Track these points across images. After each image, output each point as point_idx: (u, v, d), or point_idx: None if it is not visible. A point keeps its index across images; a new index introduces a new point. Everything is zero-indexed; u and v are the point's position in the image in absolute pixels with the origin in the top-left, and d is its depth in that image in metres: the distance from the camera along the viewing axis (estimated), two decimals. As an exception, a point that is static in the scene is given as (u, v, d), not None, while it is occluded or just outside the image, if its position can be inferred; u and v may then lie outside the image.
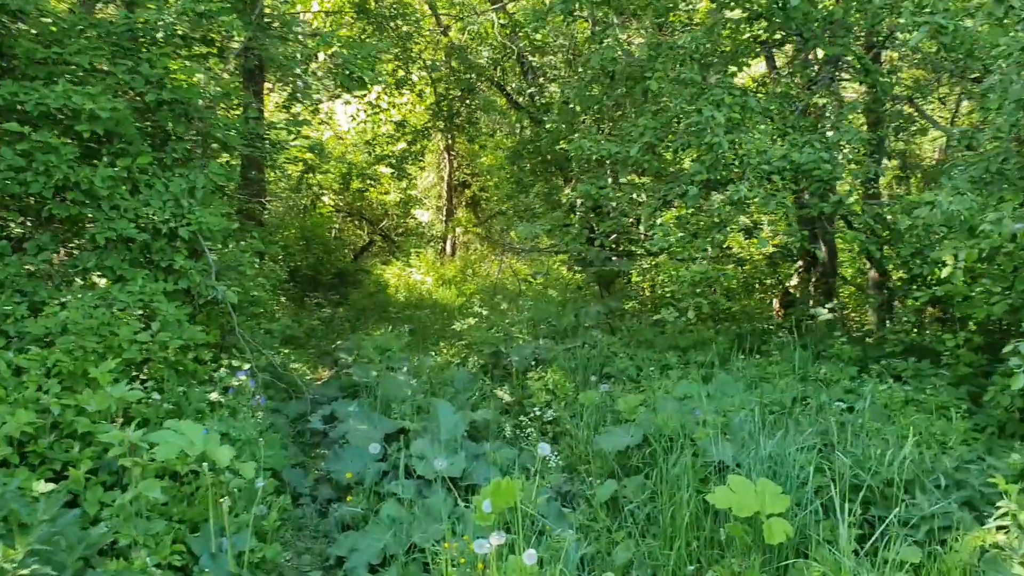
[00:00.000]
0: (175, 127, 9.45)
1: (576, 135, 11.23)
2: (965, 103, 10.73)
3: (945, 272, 6.84)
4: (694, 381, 8.38)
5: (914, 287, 9.02)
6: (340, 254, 21.20)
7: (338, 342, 13.76)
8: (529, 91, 16.10)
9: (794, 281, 13.97)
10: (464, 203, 25.48)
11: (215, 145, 10.35)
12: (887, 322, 12.05)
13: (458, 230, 24.97)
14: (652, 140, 9.16)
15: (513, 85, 18.43)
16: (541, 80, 16.45)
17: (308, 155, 14.92)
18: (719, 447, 6.86)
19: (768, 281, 14.08)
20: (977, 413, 7.31)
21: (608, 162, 10.37)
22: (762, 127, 8.66)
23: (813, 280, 13.17)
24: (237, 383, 9.34)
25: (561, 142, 15.59)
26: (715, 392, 8.08)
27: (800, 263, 13.48)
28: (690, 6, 13.25)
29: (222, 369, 9.58)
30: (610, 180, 9.84)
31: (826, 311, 12.10)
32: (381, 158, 17.31)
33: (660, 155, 9.74)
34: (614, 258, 14.17)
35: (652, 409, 7.99)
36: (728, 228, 9.61)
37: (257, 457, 7.43)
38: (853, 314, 12.97)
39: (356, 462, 8.02)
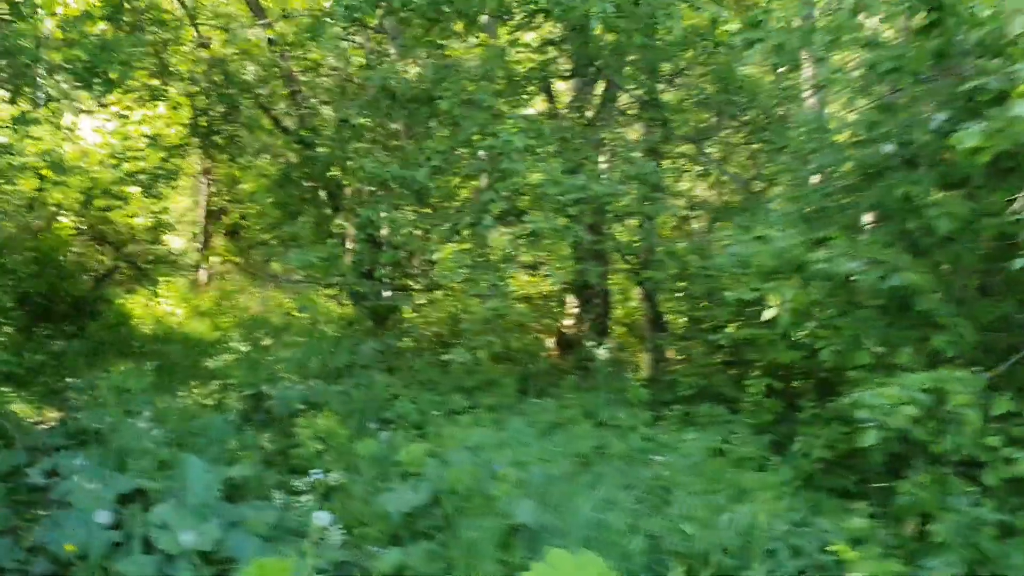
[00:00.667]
0: None
1: (353, 158, 10.15)
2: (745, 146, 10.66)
3: (768, 314, 6.35)
4: (486, 427, 7.46)
5: (704, 328, 8.63)
6: (78, 281, 18.71)
7: (69, 380, 11.73)
8: (299, 112, 14.78)
9: (567, 321, 13.52)
10: (222, 231, 23.51)
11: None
12: (659, 364, 11.76)
13: (215, 259, 22.95)
14: (440, 164, 8.26)
15: (280, 107, 17.00)
16: (312, 101, 15.16)
17: (43, 167, 12.77)
18: (521, 507, 5.95)
19: (545, 320, 13.53)
20: (778, 465, 6.87)
21: (385, 190, 9.34)
22: (556, 158, 7.99)
23: (589, 320, 12.73)
24: None
25: (333, 168, 14.42)
26: (510, 440, 7.19)
27: (574, 302, 13.04)
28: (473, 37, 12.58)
29: None
30: (390, 209, 8.81)
31: (605, 352, 11.65)
32: (130, 175, 15.27)
33: (447, 182, 8.83)
34: (389, 292, 13.12)
35: (442, 461, 6.98)
36: (513, 263, 8.89)
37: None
38: (626, 355, 12.64)
39: (80, 530, 6.41)
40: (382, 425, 8.44)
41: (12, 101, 15.09)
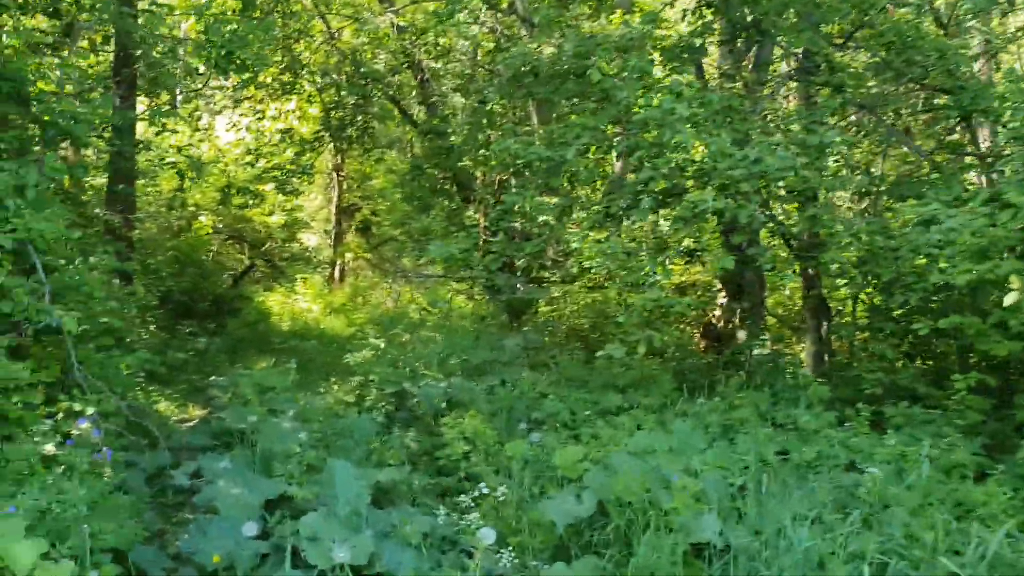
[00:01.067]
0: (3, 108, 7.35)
1: (491, 142, 9.54)
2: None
3: (1009, 299, 5.39)
4: (650, 430, 6.71)
5: (892, 317, 7.62)
6: (218, 279, 18.86)
7: (212, 378, 11.57)
8: (430, 101, 14.32)
9: (716, 312, 12.60)
10: (354, 227, 23.44)
11: (60, 137, 8.24)
12: (824, 358, 10.73)
13: (347, 256, 22.89)
14: (591, 142, 7.53)
15: (410, 97, 16.63)
16: (444, 89, 14.70)
17: (181, 161, 12.69)
18: (704, 522, 5.18)
19: (692, 312, 12.62)
20: (1000, 475, 5.85)
21: (521, 177, 8.67)
22: (723, 129, 7.14)
23: (740, 310, 11.77)
24: (78, 432, 7.29)
25: (465, 157, 13.91)
26: (679, 444, 6.42)
27: (723, 291, 12.10)
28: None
29: (59, 415, 7.51)
30: (533, 195, 8.13)
31: (763, 345, 10.71)
32: (266, 171, 15.16)
33: (595, 162, 8.08)
34: (524, 285, 12.52)
35: (602, 466, 6.27)
36: (670, 249, 8.10)
37: (94, 534, 5.44)
38: (787, 349, 11.63)
39: (226, 538, 6.00)
40: (531, 426, 7.79)
41: (151, 103, 15.25)
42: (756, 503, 5.34)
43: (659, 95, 6.94)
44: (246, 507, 6.24)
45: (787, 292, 12.90)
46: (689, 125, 6.75)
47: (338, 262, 22.61)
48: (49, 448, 7.08)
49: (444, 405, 8.66)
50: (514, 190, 8.17)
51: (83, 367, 8.08)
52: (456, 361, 9.61)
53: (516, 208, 7.98)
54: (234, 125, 15.74)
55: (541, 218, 8.98)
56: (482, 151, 14.03)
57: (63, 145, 11.15)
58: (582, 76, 9.07)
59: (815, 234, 9.03)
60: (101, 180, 15.35)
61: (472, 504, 7.26)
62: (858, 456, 6.06)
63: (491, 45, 14.80)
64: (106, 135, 14.51)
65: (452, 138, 13.30)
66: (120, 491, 7.26)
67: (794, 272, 9.70)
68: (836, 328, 10.22)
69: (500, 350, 9.36)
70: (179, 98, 19.80)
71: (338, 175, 21.85)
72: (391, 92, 15.51)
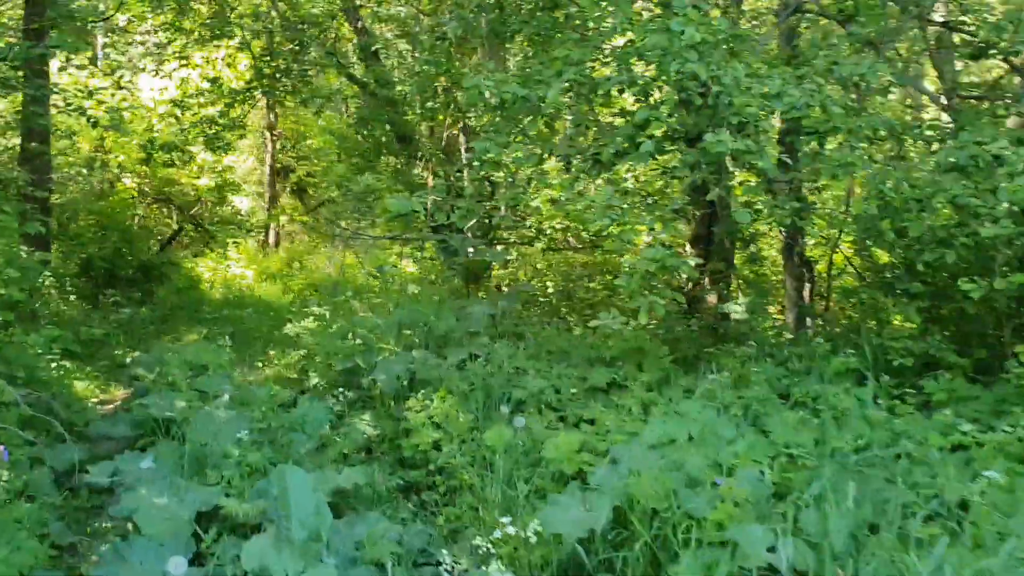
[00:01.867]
0: None
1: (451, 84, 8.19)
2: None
3: None
4: (668, 415, 5.52)
5: (923, 278, 6.56)
6: (143, 245, 17.09)
7: (136, 353, 10.05)
8: (372, 50, 12.78)
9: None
10: (288, 190, 21.76)
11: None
12: (806, 322, 9.72)
13: (283, 219, 21.24)
14: (577, 78, 6.24)
15: (348, 51, 15.05)
16: (387, 35, 13.19)
17: (95, 107, 10.97)
18: (752, 536, 4.02)
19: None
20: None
21: (498, 117, 7.33)
22: (736, 58, 5.93)
23: (711, 271, 10.68)
24: None
25: (413, 110, 12.50)
26: (699, 433, 5.25)
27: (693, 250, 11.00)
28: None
29: None
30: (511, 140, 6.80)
31: (741, 309, 9.63)
32: (193, 125, 13.45)
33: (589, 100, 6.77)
34: (481, 247, 11.22)
35: (611, 461, 5.08)
36: (665, 200, 6.91)
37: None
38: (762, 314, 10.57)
39: (149, 565, 4.67)
40: (511, 408, 6.55)
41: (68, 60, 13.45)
42: (814, 510, 4.18)
43: (664, 18, 5.68)
44: (173, 523, 4.88)
45: (756, 249, 11.82)
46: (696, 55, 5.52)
47: (272, 226, 20.96)
48: (-73, 449, 5.70)
49: (406, 384, 7.37)
50: (483, 136, 6.83)
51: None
52: (414, 332, 8.29)
53: (486, 158, 6.66)
54: (156, 72, 13.94)
55: (522, 170, 7.68)
56: (431, 101, 12.64)
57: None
58: (555, 7, 7.78)
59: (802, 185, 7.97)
60: (16, 141, 13.57)
61: (444, 502, 6.05)
62: (911, 443, 4.95)
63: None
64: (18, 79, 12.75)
65: (399, 87, 11.88)
66: (21, 497, 5.87)
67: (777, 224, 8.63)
68: (823, 289, 9.20)
69: (466, 319, 8.06)
70: (99, 48, 17.89)
71: (271, 134, 20.14)
72: (327, 44, 13.91)
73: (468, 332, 7.97)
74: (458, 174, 14.70)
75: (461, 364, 7.26)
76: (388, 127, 13.60)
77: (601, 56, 6.56)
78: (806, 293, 9.87)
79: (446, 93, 12.90)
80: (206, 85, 13.82)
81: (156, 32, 12.59)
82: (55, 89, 9.51)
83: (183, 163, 15.37)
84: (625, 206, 5.96)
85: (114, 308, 14.52)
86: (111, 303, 14.65)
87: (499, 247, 11.92)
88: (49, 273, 12.41)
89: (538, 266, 11.89)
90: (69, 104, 9.73)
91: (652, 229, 6.11)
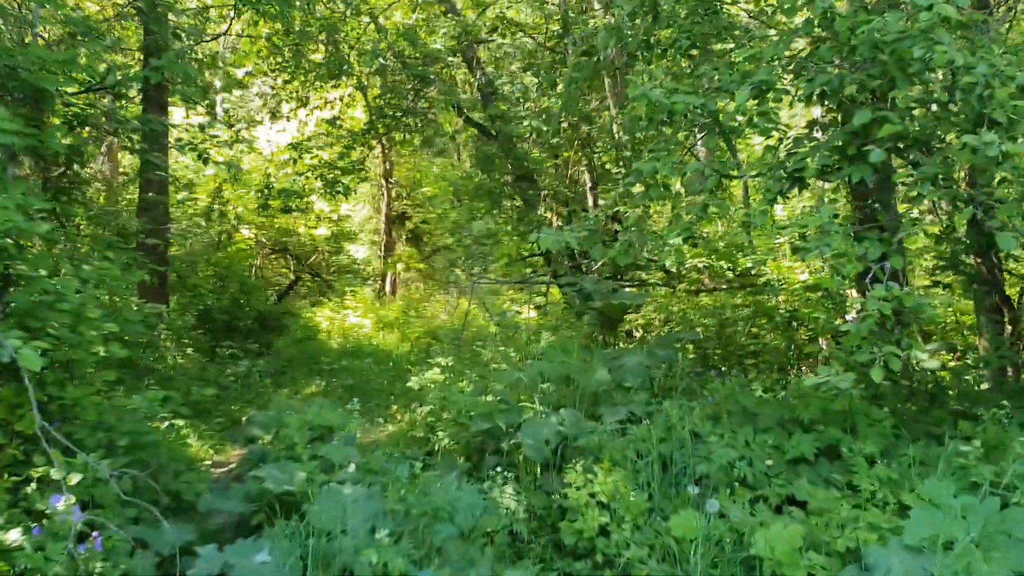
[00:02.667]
0: None
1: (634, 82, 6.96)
2: None
3: None
4: (922, 501, 4.07)
5: None
6: (261, 295, 16.44)
7: (251, 412, 9.09)
8: (487, 91, 11.72)
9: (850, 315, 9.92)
10: (404, 237, 20.99)
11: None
12: (1008, 371, 8.06)
13: (399, 267, 20.42)
14: (769, 79, 4.93)
15: (465, 92, 14.10)
16: (512, 69, 12.16)
17: (199, 139, 10.25)
18: None
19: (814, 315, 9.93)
20: None
21: (665, 129, 6.03)
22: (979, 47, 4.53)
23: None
24: (52, 513, 4.94)
25: (540, 143, 11.37)
26: (986, 531, 3.77)
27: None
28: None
29: (31, 487, 5.17)
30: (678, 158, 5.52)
31: (925, 356, 8.02)
32: (312, 168, 12.62)
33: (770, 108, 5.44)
34: (616, 289, 9.92)
35: (862, 569, 3.67)
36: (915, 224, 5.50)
37: None
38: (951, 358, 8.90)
39: None
40: (696, 485, 5.18)
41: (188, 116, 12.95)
42: None
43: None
44: (293, 646, 3.71)
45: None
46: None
47: (389, 274, 20.15)
48: (13, 537, 4.74)
49: (556, 451, 6.09)
50: (646, 157, 5.54)
51: (69, 414, 5.64)
52: (558, 387, 7.01)
53: (651, 179, 5.39)
54: (272, 115, 13.22)
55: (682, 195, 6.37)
56: (557, 137, 11.50)
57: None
58: (714, 12, 6.52)
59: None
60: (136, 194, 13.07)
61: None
62: None
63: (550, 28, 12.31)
64: (135, 139, 12.23)
65: (525, 122, 10.79)
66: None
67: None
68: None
69: (618, 372, 6.74)
70: (219, 100, 17.55)
71: (387, 182, 19.41)
72: (444, 86, 12.98)
73: (622, 387, 6.64)
74: (584, 212, 13.52)
75: (622, 428, 5.93)
76: (509, 167, 12.53)
77: (783, 58, 5.23)
78: (1006, 334, 8.22)
79: (573, 129, 11.78)
80: (324, 128, 13.05)
81: (273, 72, 11.87)
82: (168, 123, 8.77)
83: (300, 210, 14.61)
84: (837, 231, 4.56)
85: (231, 360, 13.78)
86: (228, 355, 13.93)
87: (628, 288, 10.60)
88: (165, 326, 11.73)
89: (673, 309, 10.49)
90: (180, 140, 8.93)
91: (883, 261, 4.70)
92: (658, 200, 5.55)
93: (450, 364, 9.96)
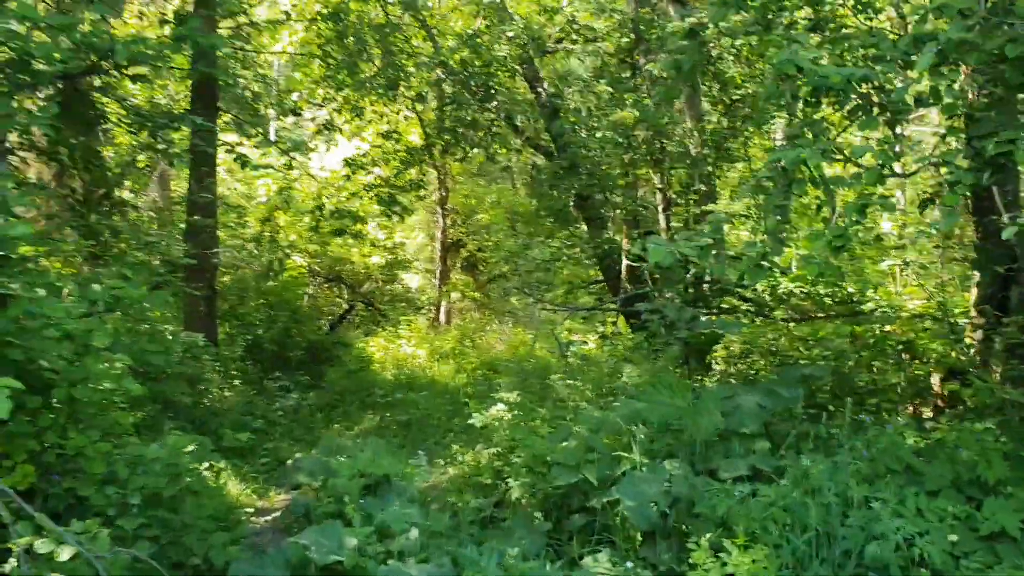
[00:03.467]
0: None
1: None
2: None
3: None
4: None
5: None
6: (312, 325, 15.37)
7: (298, 455, 7.87)
8: (551, 110, 10.50)
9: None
10: (460, 265, 19.83)
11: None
12: None
13: (454, 295, 19.24)
14: (962, 36, 3.62)
15: (526, 112, 12.88)
16: (583, 77, 10.92)
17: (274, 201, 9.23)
18: None
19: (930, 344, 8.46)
20: None
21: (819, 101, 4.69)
22: None
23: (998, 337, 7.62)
24: None
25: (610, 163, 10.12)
26: None
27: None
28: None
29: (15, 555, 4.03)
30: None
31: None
32: (368, 187, 11.42)
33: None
34: (703, 317, 8.58)
35: None
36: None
37: None
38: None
39: None
40: (861, 570, 3.82)
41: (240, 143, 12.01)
42: None
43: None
44: None
45: None
46: None
47: (444, 302, 18.97)
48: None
49: (665, 514, 4.76)
50: (793, 142, 4.22)
51: (71, 466, 4.48)
52: (654, 431, 5.67)
53: (800, 170, 4.08)
54: (326, 135, 12.10)
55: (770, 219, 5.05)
56: (630, 153, 10.25)
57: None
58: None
59: None
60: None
61: None
62: None
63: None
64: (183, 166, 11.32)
65: (598, 133, 9.56)
66: None
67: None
68: None
69: (730, 415, 5.40)
70: (272, 125, 16.67)
71: (443, 209, 18.30)
72: (508, 98, 11.77)
73: (738, 434, 5.29)
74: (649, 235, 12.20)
75: (751, 488, 4.57)
76: (575, 186, 11.27)
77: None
78: None
79: (647, 144, 10.52)
80: (380, 143, 11.95)
81: (327, 89, 10.80)
82: (213, 127, 7.72)
83: (354, 235, 13.48)
84: None
85: (280, 393, 12.67)
86: (277, 388, 12.81)
87: (709, 317, 9.23)
88: (210, 357, 10.64)
89: (770, 337, 9.08)
90: (231, 150, 7.83)
91: None
92: (801, 196, 4.24)
93: (517, 400, 8.69)
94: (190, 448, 4.88)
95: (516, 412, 8.24)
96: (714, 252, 4.74)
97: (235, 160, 7.17)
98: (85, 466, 4.49)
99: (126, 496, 4.55)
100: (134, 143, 13.16)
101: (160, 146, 5.28)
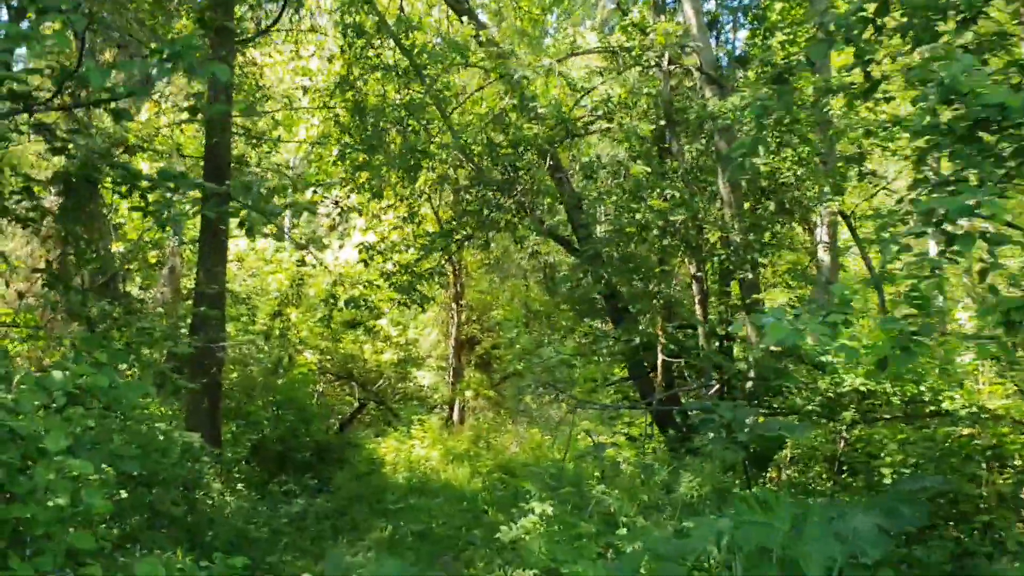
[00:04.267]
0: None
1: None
2: None
3: None
4: None
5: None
6: (320, 425, 14.15)
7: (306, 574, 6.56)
8: (571, 196, 9.64)
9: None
10: (474, 363, 18.69)
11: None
12: None
13: (468, 394, 18.02)
14: None
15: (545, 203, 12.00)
16: (619, 156, 10.04)
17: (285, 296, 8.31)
18: None
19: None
20: None
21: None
22: None
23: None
24: None
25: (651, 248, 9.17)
26: None
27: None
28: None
29: None
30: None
31: None
32: (385, 275, 10.40)
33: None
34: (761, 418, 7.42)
35: None
36: None
37: None
38: None
39: None
40: None
41: (250, 237, 11.17)
42: None
43: None
44: None
45: None
46: None
47: (457, 401, 17.76)
48: None
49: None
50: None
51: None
52: (749, 560, 4.47)
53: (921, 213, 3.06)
54: (340, 216, 11.21)
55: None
56: (668, 238, 9.31)
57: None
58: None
59: None
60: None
61: None
62: None
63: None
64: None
65: (638, 215, 8.62)
66: None
67: None
68: None
69: (846, 539, 4.22)
70: (287, 220, 15.92)
71: (457, 305, 17.33)
72: (528, 192, 10.91)
73: (859, 564, 4.10)
74: (689, 330, 11.14)
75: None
76: (604, 278, 10.27)
77: None
78: None
79: (685, 231, 9.60)
80: (397, 227, 11.04)
81: (343, 164, 9.93)
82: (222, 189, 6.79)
83: (367, 325, 12.38)
84: None
85: (285, 498, 11.35)
86: (282, 492, 11.50)
87: (773, 417, 8.06)
88: (209, 460, 9.45)
89: (846, 437, 7.86)
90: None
91: None
92: (969, 250, 3.18)
93: (550, 511, 7.44)
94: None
95: (554, 525, 7.02)
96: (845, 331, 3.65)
97: (239, 226, 6.20)
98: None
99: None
100: (141, 232, 12.39)
101: (150, 208, 4.41)
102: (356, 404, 16.33)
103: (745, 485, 7.40)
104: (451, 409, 17.73)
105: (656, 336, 9.96)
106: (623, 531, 5.77)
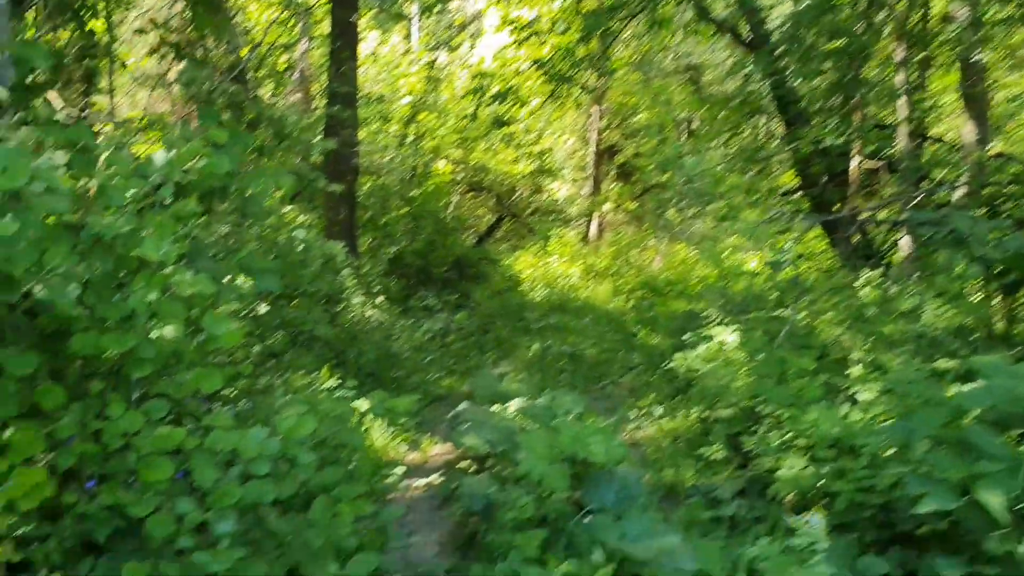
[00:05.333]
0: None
1: None
2: None
3: None
4: None
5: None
6: (456, 238, 13.34)
7: (463, 405, 5.75)
8: None
9: None
10: (613, 173, 17.28)
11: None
12: None
13: (606, 207, 16.78)
14: None
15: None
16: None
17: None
18: None
19: None
20: None
21: None
22: None
23: None
24: None
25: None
26: None
27: None
28: None
29: None
30: None
31: None
32: (534, 63, 9.01)
33: None
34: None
35: None
36: None
37: None
38: None
39: None
40: None
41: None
42: None
43: None
44: None
45: None
46: None
47: (595, 215, 16.57)
48: None
49: None
50: None
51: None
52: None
53: None
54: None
55: None
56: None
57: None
58: None
59: None
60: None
61: None
62: None
63: None
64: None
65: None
66: None
67: None
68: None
69: None
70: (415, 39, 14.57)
71: (599, 107, 15.74)
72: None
73: None
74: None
75: None
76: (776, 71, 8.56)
77: None
78: None
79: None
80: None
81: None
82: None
83: (508, 121, 11.04)
84: None
85: (426, 313, 10.71)
86: (422, 307, 10.86)
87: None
88: (351, 271, 8.79)
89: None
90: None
91: None
92: None
93: (730, 339, 6.33)
94: (310, 430, 2.81)
95: (746, 354, 5.93)
96: None
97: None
98: (139, 469, 2.47)
99: (209, 521, 2.54)
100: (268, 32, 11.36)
101: None
102: (493, 217, 15.43)
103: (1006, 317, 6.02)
104: (588, 223, 16.61)
105: (853, 135, 8.31)
106: (857, 370, 4.60)
